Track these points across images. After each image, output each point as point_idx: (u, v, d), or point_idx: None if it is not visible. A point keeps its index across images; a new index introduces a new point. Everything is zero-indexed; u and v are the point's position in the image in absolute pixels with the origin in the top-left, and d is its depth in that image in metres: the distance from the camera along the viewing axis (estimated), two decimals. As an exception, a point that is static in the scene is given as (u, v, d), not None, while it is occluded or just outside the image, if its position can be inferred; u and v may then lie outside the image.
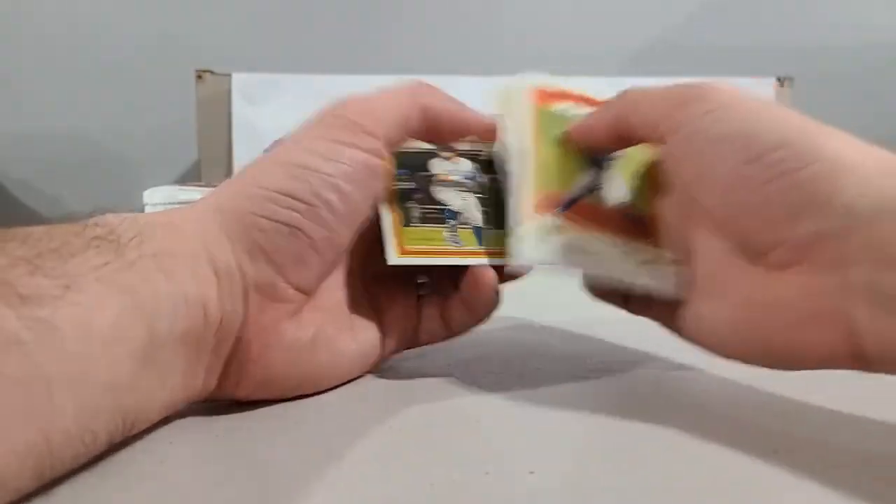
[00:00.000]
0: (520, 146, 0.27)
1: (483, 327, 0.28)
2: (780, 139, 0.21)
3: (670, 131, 0.24)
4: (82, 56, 1.05)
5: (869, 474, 0.19)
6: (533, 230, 0.25)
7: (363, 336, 0.26)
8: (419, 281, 0.28)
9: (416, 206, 0.27)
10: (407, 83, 0.26)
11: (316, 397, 0.24)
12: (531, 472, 0.19)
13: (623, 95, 0.26)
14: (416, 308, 0.27)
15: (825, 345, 0.19)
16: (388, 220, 0.26)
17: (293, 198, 0.23)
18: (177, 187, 0.67)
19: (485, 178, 0.28)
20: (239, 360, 0.22)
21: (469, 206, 0.27)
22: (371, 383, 0.26)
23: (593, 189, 0.27)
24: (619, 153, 0.28)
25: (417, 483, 0.18)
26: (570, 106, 0.29)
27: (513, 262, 0.25)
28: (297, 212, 0.23)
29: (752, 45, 1.07)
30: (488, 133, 0.27)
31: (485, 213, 0.27)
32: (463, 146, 0.28)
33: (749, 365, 0.22)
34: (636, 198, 0.27)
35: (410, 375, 0.27)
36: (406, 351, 0.28)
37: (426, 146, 0.28)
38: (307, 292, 0.24)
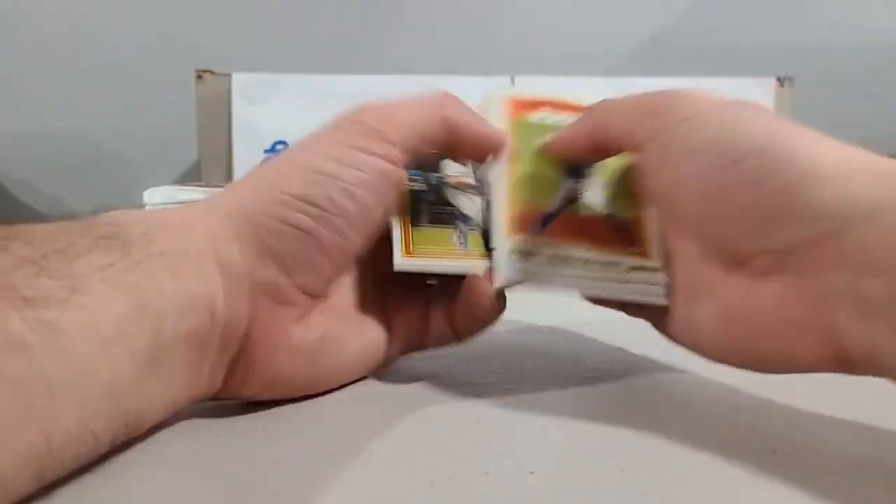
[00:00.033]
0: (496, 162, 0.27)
1: (483, 327, 0.27)
2: (752, 146, 0.21)
3: (646, 140, 0.23)
4: (82, 56, 1.05)
5: (864, 479, 0.19)
6: (513, 250, 0.25)
7: (370, 338, 0.25)
8: (429, 283, 0.28)
9: (427, 207, 0.26)
10: (432, 93, 0.26)
11: (316, 398, 0.24)
12: (531, 472, 0.19)
13: (599, 106, 0.26)
14: (425, 312, 0.27)
15: (809, 351, 0.19)
16: (398, 221, 0.26)
17: (308, 202, 0.22)
18: (177, 187, 0.67)
19: None
20: (245, 360, 0.22)
21: (479, 209, 0.27)
22: (371, 383, 0.26)
23: (574, 199, 0.27)
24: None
25: (417, 483, 0.18)
26: (548, 114, 0.29)
27: (496, 284, 0.25)
28: (311, 217, 0.22)
29: (752, 45, 1.07)
30: (501, 151, 0.27)
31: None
32: None
33: (738, 369, 0.22)
34: (617, 205, 0.27)
35: (410, 375, 0.27)
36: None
37: None
38: (316, 296, 0.23)
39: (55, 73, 1.05)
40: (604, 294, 0.25)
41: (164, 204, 0.63)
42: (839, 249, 0.19)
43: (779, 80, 0.89)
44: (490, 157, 0.27)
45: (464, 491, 0.18)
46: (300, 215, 0.22)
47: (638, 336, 0.26)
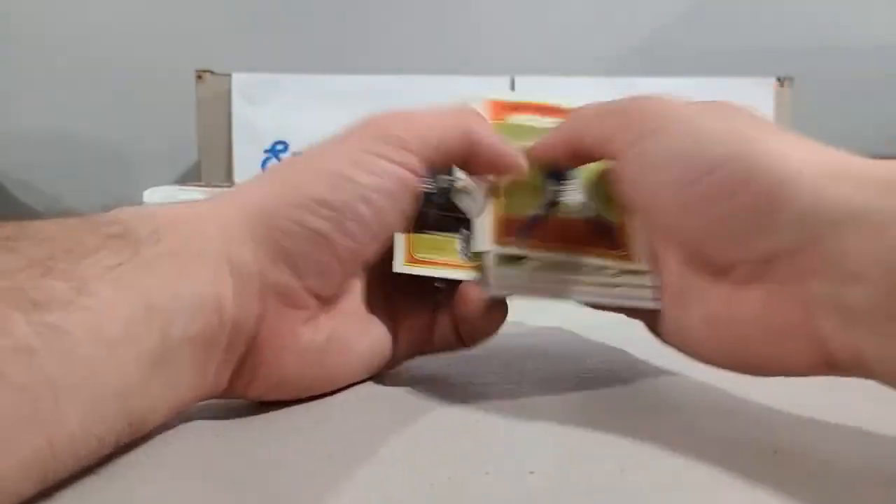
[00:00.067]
0: None
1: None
2: (721, 156, 0.20)
3: (620, 152, 0.23)
4: (82, 56, 1.05)
5: (864, 481, 0.19)
6: (500, 257, 0.25)
7: (377, 340, 0.25)
8: (437, 286, 0.28)
9: (434, 211, 0.26)
10: (457, 107, 0.26)
11: (317, 399, 0.24)
12: (531, 472, 0.19)
13: (575, 113, 0.26)
14: (432, 317, 0.27)
15: (796, 356, 0.19)
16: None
17: (326, 206, 0.22)
18: (177, 187, 0.67)
19: None
20: (252, 361, 0.22)
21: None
22: (371, 383, 0.26)
23: (558, 202, 0.27)
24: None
25: (417, 483, 0.18)
26: (529, 116, 0.29)
27: (485, 294, 0.25)
28: (328, 220, 0.22)
29: (752, 45, 1.07)
30: (518, 172, 0.27)
31: None
32: None
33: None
34: (601, 208, 0.27)
35: (410, 376, 0.27)
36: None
37: None
38: (325, 299, 0.23)
39: (55, 72, 1.05)
40: (595, 300, 0.25)
41: (164, 204, 0.63)
42: (819, 257, 0.18)
43: (779, 80, 0.89)
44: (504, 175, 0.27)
45: (464, 491, 0.18)
46: (317, 219, 0.22)
47: (638, 336, 0.26)
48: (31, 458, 0.15)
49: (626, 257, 0.26)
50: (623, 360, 0.30)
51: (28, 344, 0.15)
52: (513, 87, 0.87)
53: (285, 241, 0.22)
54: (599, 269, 0.25)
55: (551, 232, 0.26)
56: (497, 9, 1.08)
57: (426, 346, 0.27)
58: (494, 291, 0.24)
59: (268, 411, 0.23)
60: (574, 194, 0.27)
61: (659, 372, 0.28)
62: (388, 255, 0.25)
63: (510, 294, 0.25)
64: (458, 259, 0.26)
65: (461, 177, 0.27)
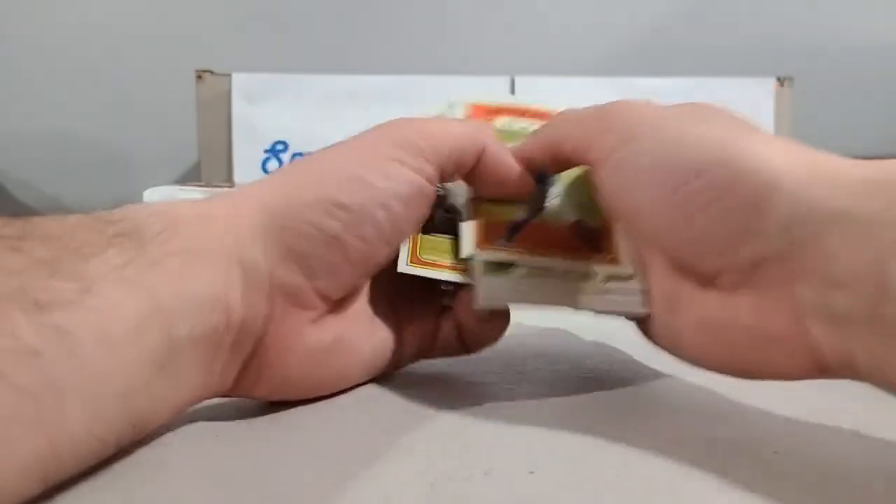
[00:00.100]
0: None
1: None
2: (703, 162, 0.20)
3: (599, 161, 0.23)
4: (82, 56, 1.05)
5: (864, 482, 0.19)
6: (488, 264, 0.24)
7: (381, 343, 0.25)
8: (443, 288, 0.28)
9: (441, 213, 0.26)
10: (471, 121, 0.26)
11: (317, 399, 0.24)
12: (531, 472, 0.19)
13: (555, 119, 0.26)
14: (437, 321, 0.27)
15: (789, 361, 0.19)
16: None
17: (342, 208, 0.22)
18: (177, 187, 0.67)
19: None
20: (258, 361, 0.22)
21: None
22: (371, 384, 0.26)
23: (542, 207, 0.27)
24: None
25: (417, 483, 0.18)
26: (512, 120, 0.29)
27: (475, 305, 0.24)
28: (342, 223, 0.22)
29: (752, 45, 1.07)
30: (525, 195, 0.27)
31: None
32: None
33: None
34: (585, 212, 0.27)
35: (411, 375, 0.27)
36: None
37: None
38: (333, 300, 0.23)
39: (55, 72, 1.05)
40: (585, 308, 0.25)
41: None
42: (805, 262, 0.18)
43: (779, 80, 0.89)
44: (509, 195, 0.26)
45: (464, 491, 0.18)
46: (332, 221, 0.22)
47: (638, 336, 0.26)
48: (33, 460, 0.15)
49: (613, 262, 0.25)
50: (623, 360, 0.30)
51: (32, 345, 0.15)
52: (513, 87, 0.87)
53: (298, 241, 0.22)
54: (586, 276, 0.25)
55: (535, 237, 0.26)
56: (497, 9, 1.08)
57: (430, 351, 0.27)
58: (483, 303, 0.24)
59: (268, 412, 0.23)
60: (558, 199, 0.27)
61: (659, 372, 0.28)
62: (395, 258, 0.25)
63: (499, 305, 0.25)
64: (458, 263, 0.26)
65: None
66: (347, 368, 0.24)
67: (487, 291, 0.24)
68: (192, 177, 1.02)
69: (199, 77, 0.89)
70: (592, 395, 0.25)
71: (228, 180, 0.87)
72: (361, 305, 0.25)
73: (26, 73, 1.05)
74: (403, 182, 0.23)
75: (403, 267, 0.25)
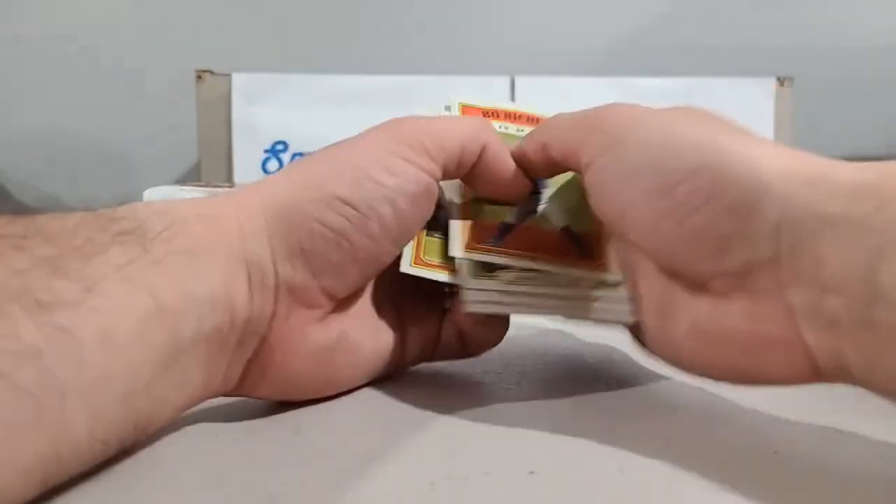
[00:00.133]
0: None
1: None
2: (691, 166, 0.20)
3: (588, 164, 0.23)
4: (82, 56, 1.05)
5: (864, 483, 0.19)
6: (475, 267, 0.24)
7: (385, 344, 0.25)
8: (446, 290, 0.28)
9: (445, 214, 0.26)
10: (474, 119, 0.26)
11: (317, 400, 0.24)
12: (531, 472, 0.19)
13: (545, 124, 0.26)
14: (439, 324, 0.27)
15: (784, 366, 0.19)
16: None
17: (349, 205, 0.22)
18: (177, 187, 0.67)
19: None
20: (261, 361, 0.22)
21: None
22: (371, 383, 0.26)
23: (532, 211, 0.26)
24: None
25: (417, 483, 0.18)
26: (502, 123, 0.29)
27: (464, 310, 0.24)
28: (349, 220, 0.22)
29: (752, 45, 1.07)
30: (521, 196, 0.27)
31: None
32: None
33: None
34: (574, 218, 0.27)
35: (411, 376, 0.27)
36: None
37: None
38: (338, 299, 0.23)
39: (55, 73, 1.05)
40: (573, 316, 0.25)
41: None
42: (795, 267, 0.18)
43: (779, 80, 0.89)
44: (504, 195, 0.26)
45: (464, 491, 0.18)
46: (339, 217, 0.22)
47: (638, 336, 0.26)
48: (34, 461, 0.15)
49: (601, 269, 0.25)
50: (622, 360, 0.30)
51: (35, 346, 0.15)
52: (513, 87, 0.87)
53: (305, 239, 0.22)
54: (574, 281, 0.25)
55: (525, 240, 0.25)
56: (497, 9, 1.08)
57: (432, 353, 0.27)
58: (470, 308, 0.24)
59: (269, 412, 0.23)
60: (547, 204, 0.27)
61: (658, 373, 0.28)
62: (398, 260, 0.25)
63: (486, 310, 0.24)
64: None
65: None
66: (350, 369, 0.24)
67: (473, 295, 0.24)
68: (192, 177, 1.02)
69: (199, 77, 0.89)
70: (592, 395, 0.25)
71: (228, 180, 0.88)
72: (366, 305, 0.25)
73: (26, 72, 1.05)
74: (410, 180, 0.23)
75: (406, 267, 0.25)
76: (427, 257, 0.25)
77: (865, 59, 1.07)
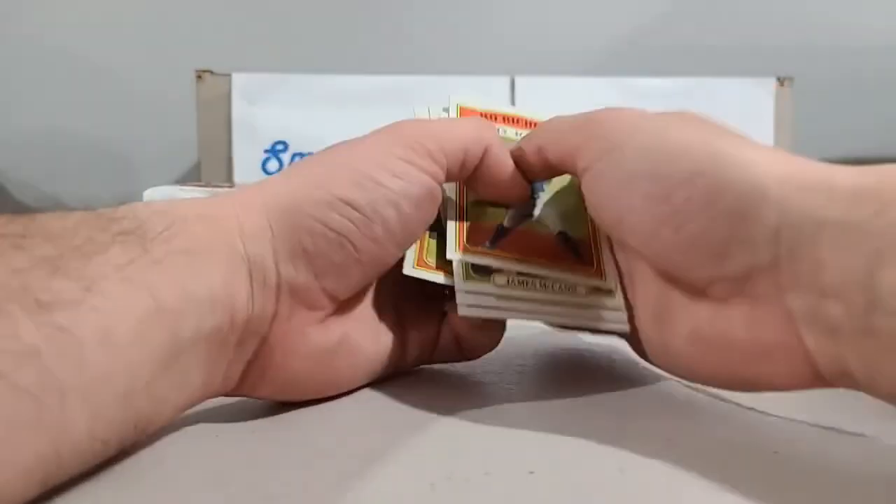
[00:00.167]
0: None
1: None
2: (688, 172, 0.20)
3: (585, 170, 0.23)
4: (82, 56, 1.05)
5: (863, 484, 0.19)
6: (470, 271, 0.24)
7: (385, 346, 0.25)
8: (446, 292, 0.28)
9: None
10: (476, 120, 0.26)
11: (317, 400, 0.24)
12: (531, 472, 0.19)
13: (541, 127, 0.25)
14: (438, 327, 0.27)
15: (786, 372, 0.19)
16: None
17: (352, 206, 0.22)
18: (177, 187, 0.67)
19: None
20: (261, 362, 0.22)
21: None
22: (371, 383, 0.26)
23: (528, 215, 0.26)
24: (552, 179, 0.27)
25: (417, 483, 0.18)
26: (501, 127, 0.29)
27: (459, 313, 0.24)
28: (352, 221, 0.22)
29: (752, 45, 1.07)
30: (521, 199, 0.27)
31: None
32: None
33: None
34: (570, 223, 0.27)
35: (411, 376, 0.27)
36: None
37: None
38: (340, 301, 0.23)
39: (55, 73, 1.05)
40: (566, 322, 0.25)
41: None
42: (794, 272, 0.18)
43: (779, 80, 0.89)
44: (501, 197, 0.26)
45: (464, 491, 0.18)
46: (342, 218, 0.22)
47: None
48: (34, 461, 0.15)
49: (596, 275, 0.25)
50: (623, 360, 0.30)
51: (35, 346, 0.15)
52: (513, 87, 0.87)
53: (307, 240, 0.21)
54: (568, 287, 0.25)
55: (520, 244, 0.25)
56: (497, 9, 1.08)
57: (431, 356, 0.27)
58: (464, 311, 0.24)
59: (269, 412, 0.23)
60: (543, 208, 0.27)
61: (658, 373, 0.28)
62: (400, 262, 0.25)
63: (480, 314, 0.24)
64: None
65: None
66: (351, 370, 0.24)
67: (467, 298, 0.24)
68: (192, 177, 1.03)
69: (199, 77, 0.89)
70: (591, 395, 0.25)
71: (228, 180, 0.88)
72: (367, 307, 0.25)
73: (26, 72, 1.05)
74: (414, 182, 0.23)
75: (409, 270, 0.25)
76: (428, 259, 0.25)
77: (865, 59, 1.07)
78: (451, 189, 0.26)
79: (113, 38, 1.05)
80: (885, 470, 0.19)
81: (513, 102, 0.86)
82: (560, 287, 0.25)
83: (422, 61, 1.03)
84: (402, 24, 1.07)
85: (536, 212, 0.27)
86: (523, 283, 0.25)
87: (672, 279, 0.21)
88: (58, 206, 1.05)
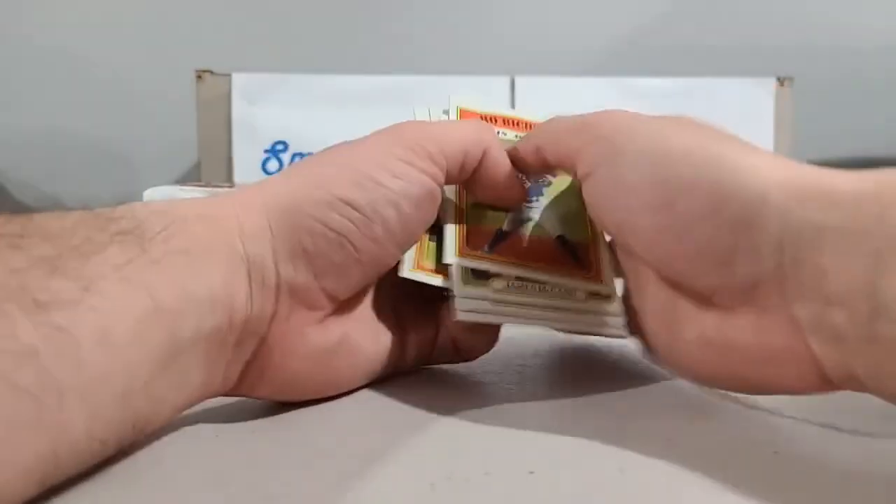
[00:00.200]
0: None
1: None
2: (690, 179, 0.20)
3: (584, 175, 0.23)
4: (82, 56, 1.05)
5: (863, 484, 0.19)
6: (467, 274, 0.24)
7: (384, 346, 0.25)
8: (444, 294, 0.28)
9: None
10: (475, 122, 0.26)
11: (317, 400, 0.24)
12: (531, 472, 0.19)
13: (539, 128, 0.25)
14: (437, 329, 0.27)
15: (794, 376, 0.19)
16: None
17: (352, 206, 0.22)
18: (177, 187, 0.67)
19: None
20: (260, 362, 0.22)
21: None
22: (370, 383, 0.26)
23: (526, 220, 0.26)
24: (550, 179, 0.27)
25: (417, 483, 0.18)
26: (500, 129, 0.29)
27: (454, 316, 0.24)
28: (352, 221, 0.22)
29: (752, 45, 1.07)
30: (518, 201, 0.27)
31: None
32: None
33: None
34: (569, 227, 0.26)
35: (410, 376, 0.27)
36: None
37: None
38: (339, 301, 0.23)
39: (55, 72, 1.05)
40: (564, 328, 0.25)
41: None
42: (799, 281, 0.18)
43: (779, 80, 0.89)
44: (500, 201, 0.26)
45: (464, 491, 0.18)
46: (342, 218, 0.22)
47: (638, 336, 0.26)
48: (32, 461, 0.15)
49: (594, 279, 0.25)
50: (623, 360, 0.30)
51: (33, 346, 0.15)
52: (513, 88, 0.87)
53: (307, 240, 0.21)
54: (567, 292, 0.25)
55: (518, 248, 0.25)
56: (497, 9, 1.08)
57: (429, 357, 0.27)
58: (461, 316, 0.24)
59: (268, 412, 0.23)
60: (542, 211, 0.27)
61: (659, 372, 0.28)
62: (398, 263, 0.25)
63: (477, 318, 0.24)
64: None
65: None
66: (350, 370, 0.24)
67: (464, 302, 0.24)
68: (192, 177, 1.02)
69: (199, 77, 0.89)
70: (592, 395, 0.25)
71: (228, 180, 0.87)
72: (366, 308, 0.25)
73: (26, 72, 1.05)
74: (414, 183, 0.23)
75: (407, 272, 0.25)
76: (426, 262, 0.25)
77: (865, 59, 1.07)
78: (450, 192, 0.26)
79: (113, 38, 1.05)
80: (885, 470, 0.19)
81: (513, 102, 0.86)
82: (558, 292, 0.25)
83: (422, 61, 1.03)
84: (402, 24, 1.07)
85: (536, 215, 0.27)
86: (521, 287, 0.25)
87: (677, 286, 0.21)
88: (57, 206, 1.05)
